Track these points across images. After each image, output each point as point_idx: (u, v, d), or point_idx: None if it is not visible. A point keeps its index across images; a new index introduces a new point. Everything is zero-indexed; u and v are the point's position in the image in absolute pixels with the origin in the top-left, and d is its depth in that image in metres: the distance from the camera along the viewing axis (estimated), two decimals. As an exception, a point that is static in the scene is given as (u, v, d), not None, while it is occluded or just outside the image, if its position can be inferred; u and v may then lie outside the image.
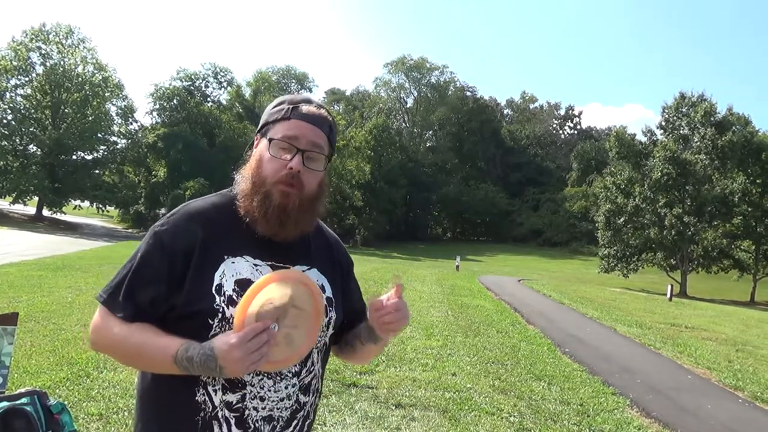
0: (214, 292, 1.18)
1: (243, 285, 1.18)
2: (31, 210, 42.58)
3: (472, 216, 63.16)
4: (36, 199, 41.48)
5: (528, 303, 13.42)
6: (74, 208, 46.30)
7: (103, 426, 3.62)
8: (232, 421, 1.18)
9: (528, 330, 9.15)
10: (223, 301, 1.18)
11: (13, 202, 40.71)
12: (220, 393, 1.18)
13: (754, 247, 35.02)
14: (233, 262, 1.22)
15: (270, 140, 1.26)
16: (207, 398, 1.18)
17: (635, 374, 6.59)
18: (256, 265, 1.24)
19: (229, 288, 1.19)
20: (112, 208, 49.21)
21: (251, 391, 1.19)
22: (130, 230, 46.19)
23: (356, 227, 52.25)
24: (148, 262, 1.22)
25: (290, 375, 1.23)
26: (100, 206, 45.37)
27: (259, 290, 1.12)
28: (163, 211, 44.15)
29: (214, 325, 1.17)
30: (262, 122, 1.33)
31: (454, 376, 5.59)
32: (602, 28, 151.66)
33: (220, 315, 1.17)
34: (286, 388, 1.22)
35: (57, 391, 4.11)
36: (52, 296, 8.63)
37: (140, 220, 47.86)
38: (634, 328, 10.45)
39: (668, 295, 20.05)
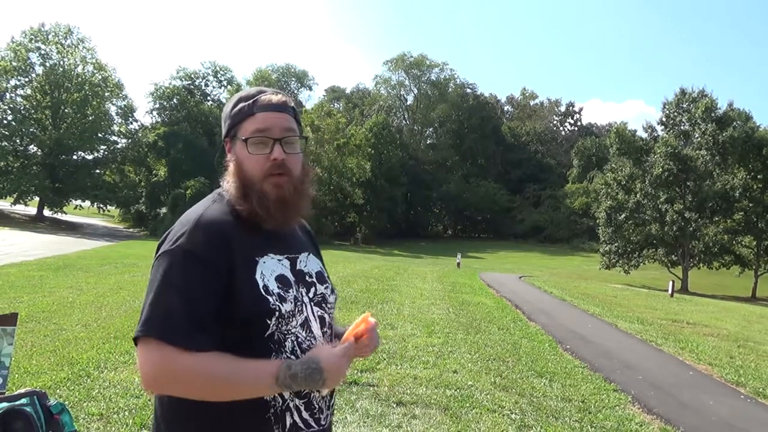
0: (264, 293, 1.21)
1: (282, 280, 1.26)
2: (32, 210, 42.61)
3: (472, 213, 63.20)
4: (37, 199, 41.50)
5: (529, 300, 13.41)
6: (75, 208, 46.38)
7: (104, 426, 3.62)
8: (302, 407, 1.24)
9: (529, 327, 9.14)
10: (276, 300, 1.22)
11: (14, 203, 40.75)
12: None
13: (755, 243, 34.95)
14: (264, 262, 1.25)
15: (245, 140, 1.27)
16: (277, 394, 1.20)
17: (637, 371, 6.58)
18: (279, 260, 1.29)
19: (274, 286, 1.23)
20: (113, 207, 49.25)
21: None
22: (131, 230, 46.20)
23: (357, 225, 52.24)
24: (197, 282, 1.16)
25: None
26: (101, 206, 45.40)
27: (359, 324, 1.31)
28: (164, 210, 44.17)
29: (271, 324, 1.21)
30: (227, 126, 1.33)
31: (455, 373, 5.59)
32: (602, 24, 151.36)
33: (277, 313, 1.21)
34: None
35: (57, 391, 4.11)
36: (53, 296, 8.64)
37: (141, 220, 47.90)
38: (635, 325, 10.44)
39: (669, 291, 20.02)
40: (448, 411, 4.42)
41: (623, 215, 35.29)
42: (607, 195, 36.83)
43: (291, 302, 1.25)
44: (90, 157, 44.32)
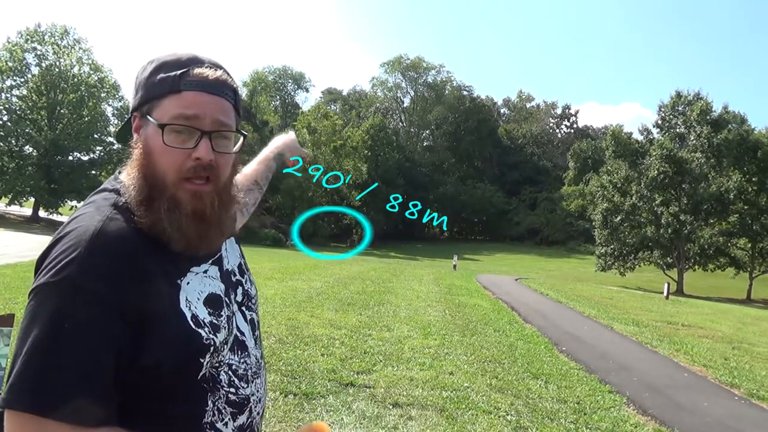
0: (194, 327, 0.93)
1: (212, 302, 0.98)
2: (27, 211, 42.46)
3: (469, 215, 63.29)
4: (32, 200, 41.37)
5: (525, 302, 13.44)
6: (71, 209, 46.11)
7: (101, 427, 3.62)
8: None
9: (525, 329, 9.16)
10: (210, 332, 0.94)
11: (10, 204, 40.63)
12: (231, 422, 0.99)
13: (750, 245, 35.15)
14: (188, 283, 0.96)
15: (161, 126, 0.93)
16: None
17: (632, 372, 6.61)
18: (205, 272, 1.00)
19: (204, 314, 0.95)
20: (109, 208, 49.15)
21: (254, 398, 1.04)
22: (126, 231, 46.13)
23: (354, 227, 52.26)
24: (93, 331, 0.83)
25: (259, 364, 1.09)
26: (97, 207, 45.29)
27: None
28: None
29: (205, 363, 0.94)
30: (140, 98, 0.97)
31: (452, 375, 5.61)
32: (599, 27, 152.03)
33: (212, 348, 0.95)
34: (260, 378, 1.09)
35: (54, 392, 4.10)
36: (48, 297, 8.60)
37: (137, 221, 47.82)
38: (630, 327, 10.48)
39: (665, 293, 20.10)
40: (444, 412, 4.43)
41: (619, 217, 35.44)
42: (603, 197, 36.98)
43: (225, 327, 0.98)
44: (86, 158, 44.18)
